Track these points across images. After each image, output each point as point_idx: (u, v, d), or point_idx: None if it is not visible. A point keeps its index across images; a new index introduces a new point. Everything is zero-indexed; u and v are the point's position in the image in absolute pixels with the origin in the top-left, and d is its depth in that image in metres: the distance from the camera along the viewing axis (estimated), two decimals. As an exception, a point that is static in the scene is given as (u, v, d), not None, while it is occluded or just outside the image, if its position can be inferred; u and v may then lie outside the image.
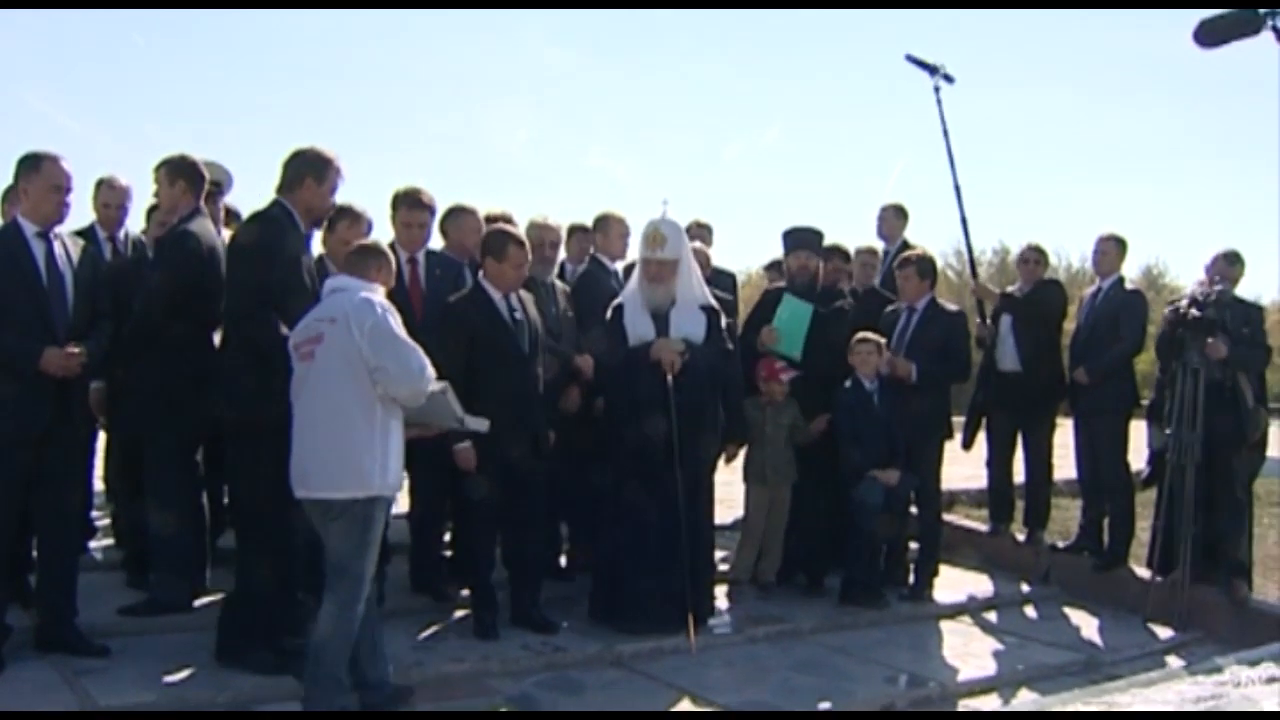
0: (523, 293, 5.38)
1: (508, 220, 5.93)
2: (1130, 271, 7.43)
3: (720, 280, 7.00)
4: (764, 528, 6.50)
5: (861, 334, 6.47)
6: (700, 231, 7.61)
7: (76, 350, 4.53)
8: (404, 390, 4.18)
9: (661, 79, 47.01)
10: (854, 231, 8.54)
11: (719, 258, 7.28)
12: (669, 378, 5.37)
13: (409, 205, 5.53)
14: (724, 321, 5.70)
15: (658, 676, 5.12)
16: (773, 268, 8.21)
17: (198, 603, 5.29)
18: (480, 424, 4.50)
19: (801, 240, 6.80)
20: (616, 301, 5.82)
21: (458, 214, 6.04)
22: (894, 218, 8.36)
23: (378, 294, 4.29)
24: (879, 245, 8.05)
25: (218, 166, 5.76)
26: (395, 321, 4.20)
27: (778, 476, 6.44)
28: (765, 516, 6.48)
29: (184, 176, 5.20)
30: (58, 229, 4.69)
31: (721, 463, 6.52)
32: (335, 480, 4.13)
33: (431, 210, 5.78)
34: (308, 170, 4.64)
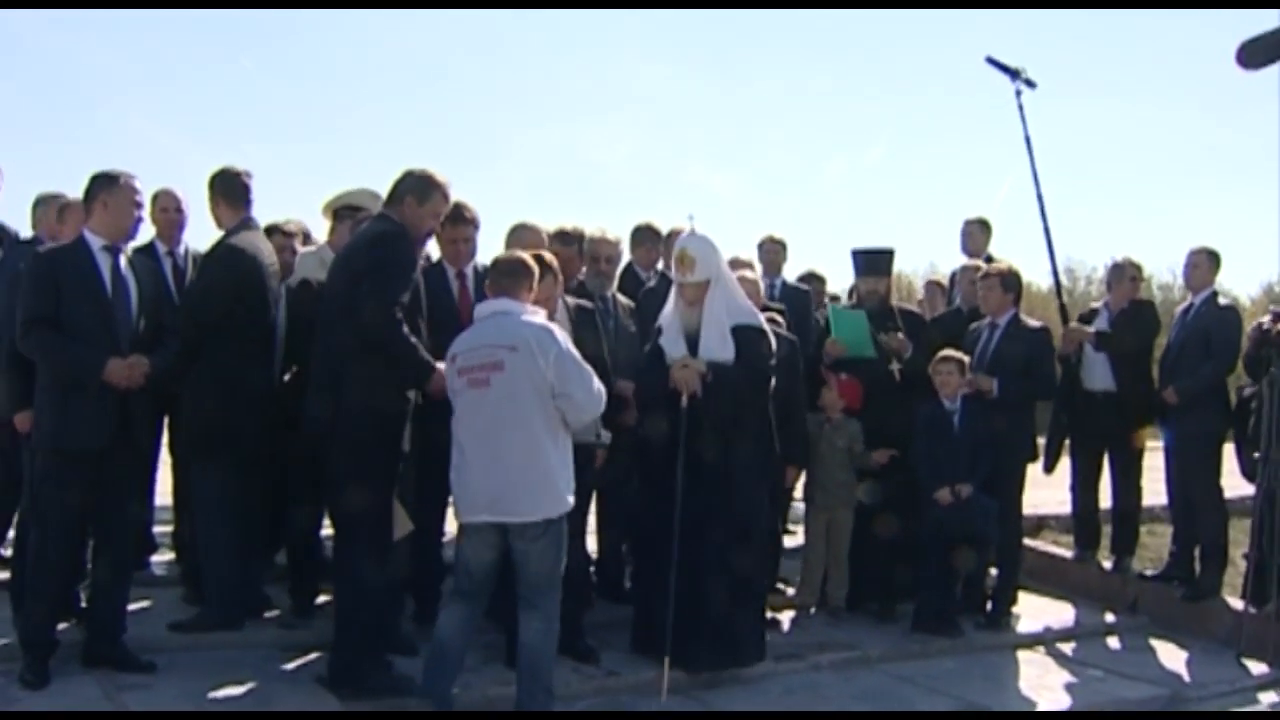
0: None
1: (578, 236, 5.93)
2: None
3: (796, 298, 6.96)
4: (824, 552, 6.40)
5: (944, 352, 6.36)
6: (774, 248, 7.59)
7: (141, 361, 4.61)
8: (586, 416, 4.44)
9: (760, 92, 46.71)
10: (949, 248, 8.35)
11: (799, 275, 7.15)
12: (684, 400, 5.16)
13: (452, 221, 5.51)
14: (773, 340, 5.46)
15: (711, 705, 5.03)
16: (809, 280, 8.13)
17: (252, 622, 5.35)
18: (607, 437, 4.83)
19: (872, 265, 6.72)
20: (658, 324, 5.68)
21: (519, 231, 5.90)
22: (979, 232, 8.22)
23: (541, 316, 4.48)
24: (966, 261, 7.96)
25: (374, 195, 5.69)
26: (574, 348, 4.40)
27: (834, 499, 6.35)
28: (824, 540, 6.39)
29: (218, 191, 5.31)
30: (125, 245, 4.82)
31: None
32: (537, 504, 4.31)
33: (475, 224, 5.76)
34: (410, 190, 4.78)
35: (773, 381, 5.37)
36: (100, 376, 4.52)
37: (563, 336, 4.42)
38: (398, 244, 4.66)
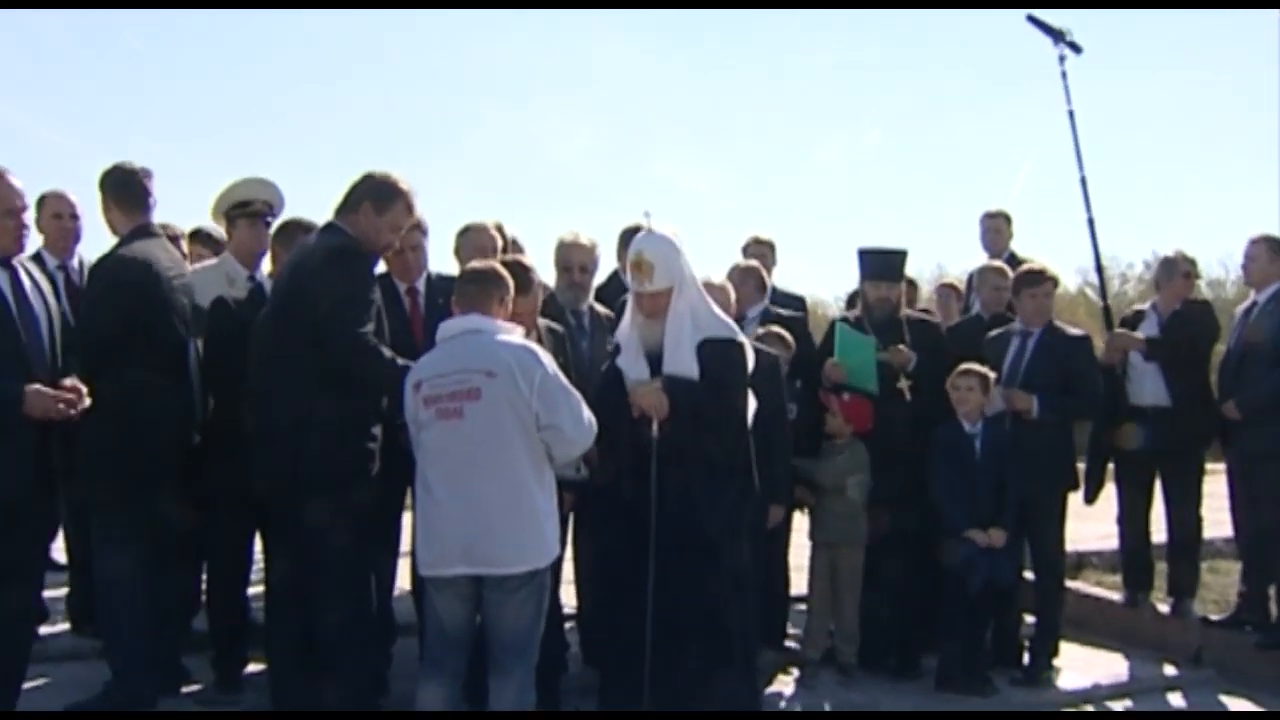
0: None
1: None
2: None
3: (788, 304, 7.05)
4: (830, 598, 6.42)
5: (964, 366, 6.40)
6: (760, 249, 7.61)
7: (67, 384, 4.64)
8: (575, 450, 4.54)
9: (738, 70, 47.12)
10: (973, 248, 8.36)
11: (792, 279, 7.22)
12: (654, 427, 5.02)
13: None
14: (750, 354, 5.36)
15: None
16: (856, 298, 8.06)
17: (167, 699, 5.33)
18: (586, 473, 4.97)
19: (881, 267, 6.73)
20: (614, 339, 5.57)
21: (470, 234, 6.06)
22: (1004, 227, 8.32)
23: (519, 335, 4.55)
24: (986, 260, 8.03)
25: (265, 184, 5.94)
26: (560, 372, 4.48)
27: (838, 535, 6.36)
28: (829, 584, 6.41)
29: (110, 193, 5.33)
30: (21, 256, 4.85)
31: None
32: (522, 552, 4.38)
33: (424, 231, 5.85)
34: (368, 196, 4.85)
35: (751, 403, 5.31)
36: (18, 410, 4.51)
37: (547, 358, 4.48)
38: (355, 263, 4.73)
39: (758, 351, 5.67)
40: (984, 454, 6.30)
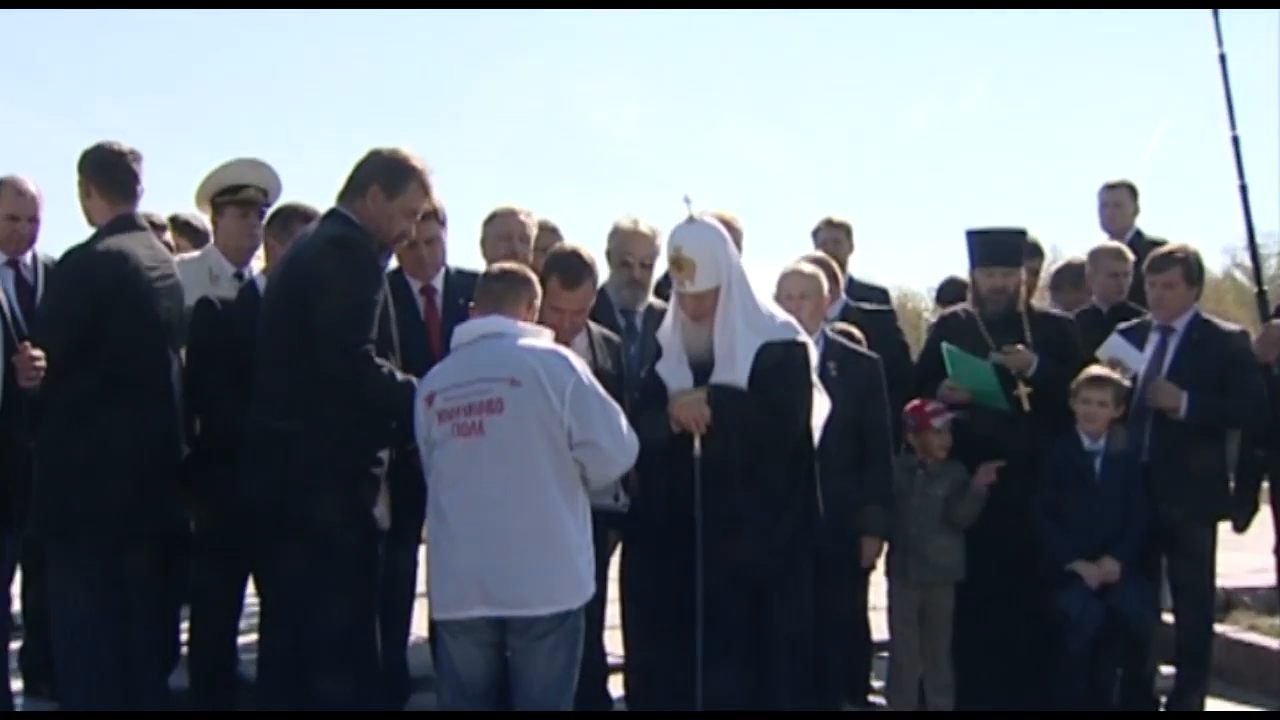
0: None
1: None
2: None
3: (869, 297, 7.06)
4: (917, 643, 6.21)
5: (1093, 371, 6.12)
6: (834, 234, 7.52)
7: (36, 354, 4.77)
8: (614, 470, 4.54)
9: (814, 26, 46.40)
10: (1090, 225, 8.09)
11: (876, 268, 7.11)
12: (695, 446, 4.91)
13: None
14: (813, 356, 5.20)
15: None
16: (949, 289, 7.99)
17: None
18: (625, 502, 4.99)
19: (996, 250, 6.43)
20: (657, 343, 5.44)
21: (501, 219, 5.96)
22: (1127, 201, 8.05)
23: (548, 337, 4.54)
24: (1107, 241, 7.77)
25: (259, 167, 5.93)
26: (596, 381, 4.46)
27: (930, 572, 6.14)
28: (916, 629, 6.20)
29: (90, 177, 5.22)
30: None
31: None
32: (552, 591, 4.34)
33: (442, 220, 5.80)
34: (376, 177, 4.77)
35: (819, 413, 5.16)
36: None
37: (580, 365, 4.45)
38: (357, 257, 4.65)
39: (854, 355, 5.74)
40: (1106, 475, 6.01)
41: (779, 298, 5.64)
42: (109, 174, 5.22)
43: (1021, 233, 6.57)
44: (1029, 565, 6.11)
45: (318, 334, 4.54)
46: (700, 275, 4.96)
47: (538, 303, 4.70)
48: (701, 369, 5.06)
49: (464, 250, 6.66)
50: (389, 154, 4.83)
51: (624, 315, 5.96)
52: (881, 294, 7.53)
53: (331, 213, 4.82)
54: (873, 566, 6.24)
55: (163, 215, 6.59)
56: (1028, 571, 6.12)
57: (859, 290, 7.23)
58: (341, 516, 4.57)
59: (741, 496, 4.92)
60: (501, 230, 5.83)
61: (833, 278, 6.45)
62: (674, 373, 5.12)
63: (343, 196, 4.82)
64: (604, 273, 5.94)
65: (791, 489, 5.06)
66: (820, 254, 6.72)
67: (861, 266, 7.50)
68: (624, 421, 4.49)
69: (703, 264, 4.95)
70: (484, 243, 5.98)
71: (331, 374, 4.56)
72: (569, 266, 5.08)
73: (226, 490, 4.78)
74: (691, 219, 5.02)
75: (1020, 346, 6.30)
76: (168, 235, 6.38)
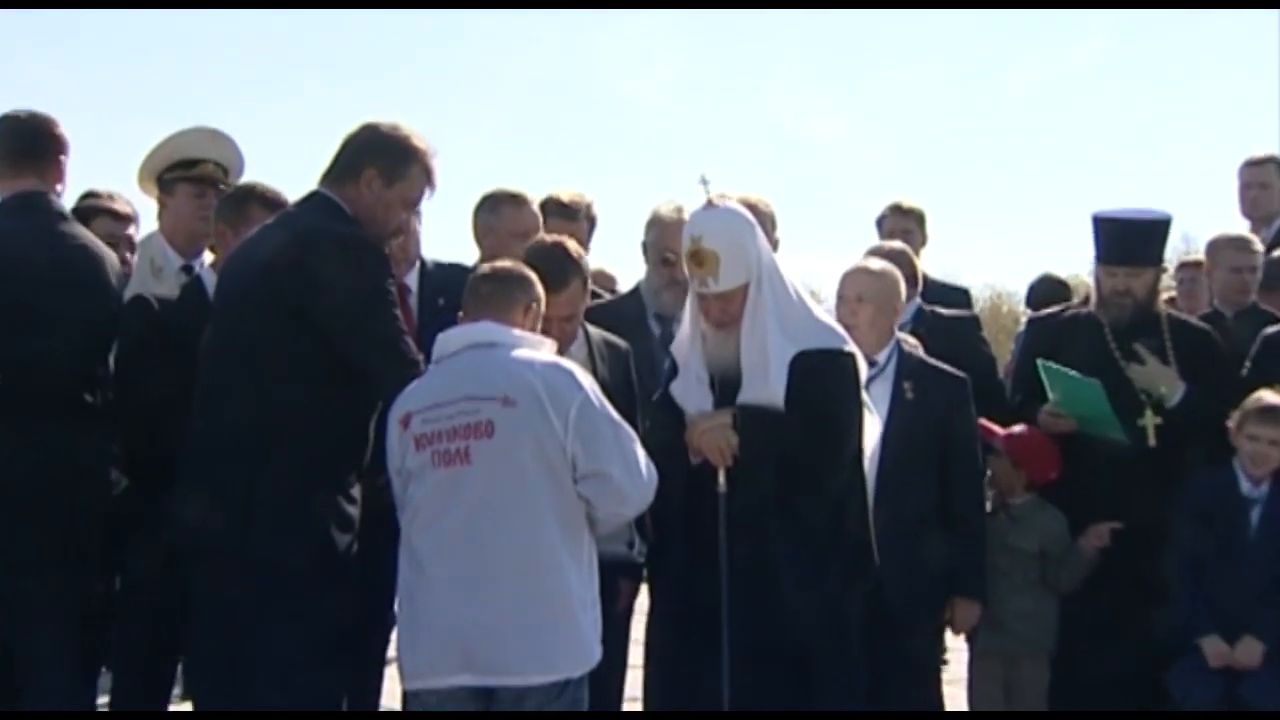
0: None
1: (583, 209, 6.01)
2: None
3: (947, 300, 6.87)
4: None
5: (1268, 401, 5.69)
6: (903, 223, 7.40)
7: None
8: (628, 509, 4.43)
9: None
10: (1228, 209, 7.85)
11: (954, 263, 6.93)
12: (720, 479, 4.77)
13: None
14: (861, 366, 5.04)
15: None
16: (1043, 290, 7.85)
17: None
18: (641, 549, 5.01)
19: (1128, 242, 6.07)
20: (669, 356, 5.34)
21: (499, 207, 5.77)
22: (1275, 179, 7.84)
23: (549, 349, 4.46)
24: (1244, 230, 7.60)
25: (219, 139, 5.86)
26: (606, 400, 4.37)
27: (1013, 639, 5.93)
28: (1003, 706, 6.00)
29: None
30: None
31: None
32: (545, 656, 4.23)
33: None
34: (374, 159, 4.63)
35: (870, 437, 5.07)
36: None
37: (589, 381, 4.36)
38: (369, 257, 4.53)
39: (936, 373, 5.67)
40: (1265, 529, 5.66)
41: (837, 302, 5.60)
42: (13, 141, 5.13)
43: (1163, 223, 6.17)
44: (1133, 625, 5.79)
45: (357, 356, 4.46)
46: (724, 271, 4.81)
47: (539, 307, 4.57)
48: (726, 387, 4.93)
49: (442, 237, 6.40)
50: (388, 131, 4.66)
51: (659, 322, 5.84)
52: (962, 296, 7.50)
53: (316, 197, 4.64)
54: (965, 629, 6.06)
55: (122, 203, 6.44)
56: (1132, 633, 5.79)
57: (934, 291, 7.04)
58: (308, 562, 4.38)
59: (777, 542, 4.80)
60: (515, 225, 5.61)
61: (911, 277, 6.32)
62: (692, 393, 4.99)
63: (329, 178, 4.63)
64: (640, 269, 5.98)
65: (838, 531, 4.93)
66: (896, 245, 6.59)
67: (939, 262, 7.29)
68: (640, 450, 4.37)
69: (727, 257, 4.80)
70: (484, 235, 5.77)
71: (391, 392, 4.47)
72: (553, 263, 4.86)
73: (160, 530, 4.62)
74: (711, 203, 4.88)
75: (1149, 362, 5.97)
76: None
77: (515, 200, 5.76)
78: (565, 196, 6.21)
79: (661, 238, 5.94)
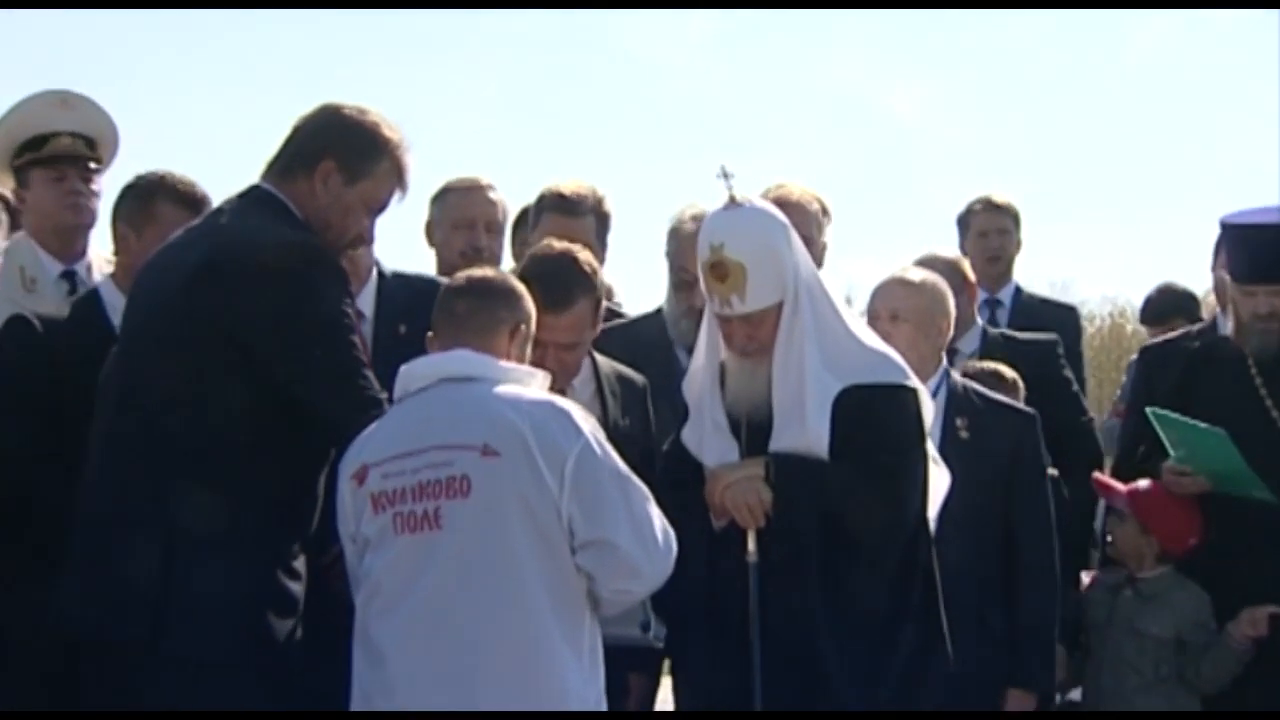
0: None
1: (595, 205, 5.85)
2: None
3: (1046, 320, 6.67)
4: None
5: None
6: (995, 221, 7.24)
7: None
8: (638, 586, 4.18)
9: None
10: None
11: (1060, 271, 6.74)
12: (749, 546, 4.53)
13: None
14: (926, 405, 4.81)
15: None
16: (1161, 304, 7.73)
17: None
18: (658, 633, 4.83)
19: (1267, 253, 5.73)
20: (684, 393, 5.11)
21: (444, 193, 5.80)
22: None
23: (540, 383, 4.25)
24: None
25: (76, 105, 5.61)
26: (612, 449, 4.13)
27: None
28: None
29: None
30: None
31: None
32: None
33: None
34: (333, 149, 4.37)
35: (937, 492, 4.77)
36: None
37: (591, 425, 4.09)
38: (322, 271, 4.27)
39: (995, 407, 5.43)
40: None
41: (868, 320, 5.31)
42: None
43: None
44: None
45: (305, 396, 4.19)
46: (752, 287, 4.56)
47: (529, 329, 4.30)
48: (754, 431, 4.71)
49: (405, 243, 6.39)
50: (353, 116, 4.42)
51: (688, 353, 5.37)
52: (1067, 315, 7.24)
53: (255, 193, 4.37)
54: None
55: None
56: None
57: (1028, 308, 6.97)
58: (237, 657, 4.11)
59: (823, 629, 4.56)
60: (461, 213, 5.63)
61: (963, 289, 6.19)
62: (711, 440, 4.78)
63: (275, 171, 4.37)
64: (662, 286, 5.81)
65: (901, 613, 4.68)
66: (947, 255, 6.35)
67: (1043, 271, 6.99)
68: (656, 512, 4.07)
69: (755, 270, 4.56)
70: (432, 234, 5.80)
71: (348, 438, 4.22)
72: (555, 277, 4.59)
73: (46, 614, 4.31)
74: (734, 202, 4.63)
75: None
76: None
77: (463, 187, 5.73)
78: (566, 189, 5.99)
79: (678, 254, 5.73)
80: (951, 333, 5.80)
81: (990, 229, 7.21)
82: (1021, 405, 5.71)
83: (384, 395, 4.28)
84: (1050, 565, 5.52)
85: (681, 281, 5.73)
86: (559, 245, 4.93)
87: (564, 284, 4.66)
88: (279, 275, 4.17)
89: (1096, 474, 5.92)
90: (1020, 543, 5.42)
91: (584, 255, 4.84)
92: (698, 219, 5.45)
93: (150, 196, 5.06)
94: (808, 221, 5.46)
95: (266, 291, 4.16)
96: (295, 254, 4.25)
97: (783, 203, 5.14)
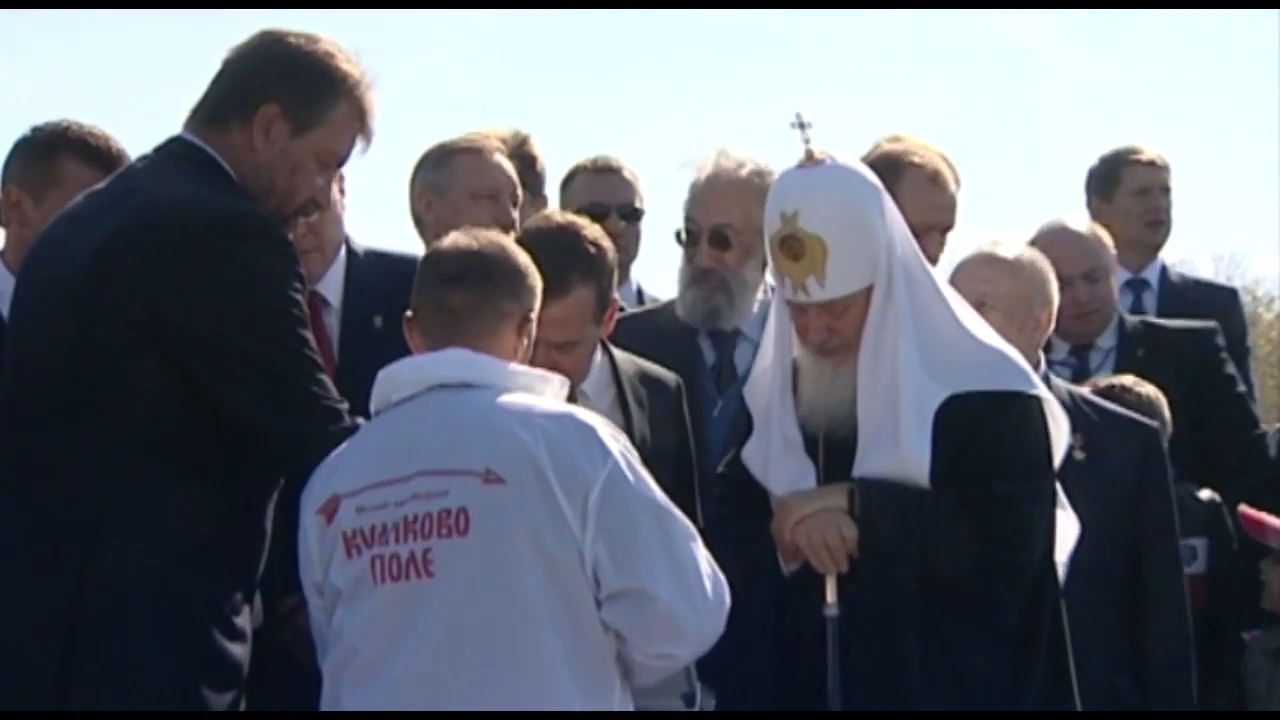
0: None
1: (608, 169, 5.81)
2: None
3: (1202, 305, 6.26)
4: None
5: None
6: (1144, 176, 6.54)
7: None
8: (682, 647, 3.80)
9: None
10: None
11: (1226, 246, 6.38)
12: (828, 595, 4.13)
13: None
14: (1064, 422, 4.32)
15: None
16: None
17: None
18: (709, 700, 4.50)
19: None
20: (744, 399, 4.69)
21: (448, 156, 5.31)
22: None
23: (556, 391, 3.90)
24: None
25: None
26: (647, 474, 3.77)
27: None
28: None
29: None
30: None
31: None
32: None
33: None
34: (275, 89, 3.95)
35: (1067, 535, 4.33)
36: None
37: (620, 443, 3.73)
38: (264, 246, 3.89)
39: (1114, 420, 5.02)
40: None
41: None
42: None
43: None
44: None
45: (245, 406, 3.78)
46: (834, 269, 4.11)
47: (535, 313, 3.89)
48: (835, 450, 4.28)
49: (376, 211, 6.07)
50: (300, 47, 3.94)
51: (714, 343, 5.17)
52: (1228, 300, 6.67)
53: (176, 146, 3.91)
54: None
55: None
56: None
57: (1177, 290, 6.47)
58: None
59: (919, 700, 4.11)
60: (477, 181, 5.11)
61: (1089, 273, 5.76)
62: (779, 461, 4.33)
63: (200, 118, 3.91)
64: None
65: (1021, 681, 4.21)
66: (1067, 225, 5.84)
67: (1204, 245, 6.53)
68: (704, 554, 3.65)
69: (838, 246, 4.10)
70: (429, 204, 5.27)
71: (299, 460, 3.86)
72: (546, 255, 4.08)
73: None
74: (812, 158, 4.13)
75: None
76: None
77: (476, 148, 5.33)
78: (612, 160, 5.92)
79: (691, 202, 5.24)
80: (1052, 326, 5.30)
81: (1153, 185, 6.52)
82: (1142, 418, 5.20)
83: (344, 405, 3.86)
84: (1180, 602, 5.14)
85: (687, 234, 5.30)
86: (558, 216, 4.66)
87: (557, 265, 4.16)
88: (205, 252, 3.73)
89: (1244, 507, 5.45)
90: (1148, 574, 5.01)
91: (590, 229, 4.40)
92: (717, 159, 5.22)
93: (52, 153, 4.74)
94: (924, 183, 5.14)
95: (189, 274, 3.71)
96: (226, 225, 3.80)
97: (893, 163, 4.87)
